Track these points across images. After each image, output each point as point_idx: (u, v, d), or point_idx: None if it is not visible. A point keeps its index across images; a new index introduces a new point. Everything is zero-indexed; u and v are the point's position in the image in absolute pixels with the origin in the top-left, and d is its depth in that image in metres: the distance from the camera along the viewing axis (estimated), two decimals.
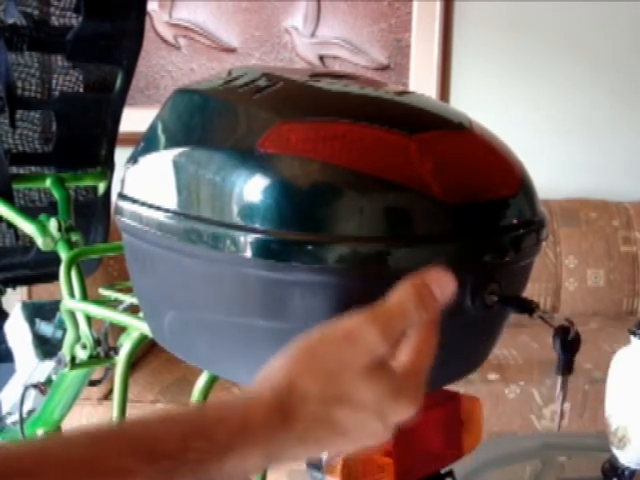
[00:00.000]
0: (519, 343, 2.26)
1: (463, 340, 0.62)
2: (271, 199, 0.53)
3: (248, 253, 0.53)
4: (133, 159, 0.66)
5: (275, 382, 0.46)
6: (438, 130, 0.61)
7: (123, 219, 0.65)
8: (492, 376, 2.09)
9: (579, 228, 2.65)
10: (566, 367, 0.57)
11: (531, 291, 2.57)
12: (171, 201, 0.59)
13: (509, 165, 0.63)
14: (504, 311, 0.61)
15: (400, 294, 0.48)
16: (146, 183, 0.64)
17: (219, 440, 0.43)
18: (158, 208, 0.60)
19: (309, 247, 0.52)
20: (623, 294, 2.65)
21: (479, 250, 0.55)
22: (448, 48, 2.71)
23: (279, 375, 0.46)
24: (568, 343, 0.56)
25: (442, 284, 0.48)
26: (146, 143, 0.65)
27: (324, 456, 0.62)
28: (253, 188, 0.54)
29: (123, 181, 0.66)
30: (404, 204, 0.53)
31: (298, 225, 0.53)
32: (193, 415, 0.45)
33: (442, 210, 0.54)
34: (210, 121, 0.62)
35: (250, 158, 0.56)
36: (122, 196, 0.66)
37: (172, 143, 0.62)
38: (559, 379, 0.59)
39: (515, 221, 0.59)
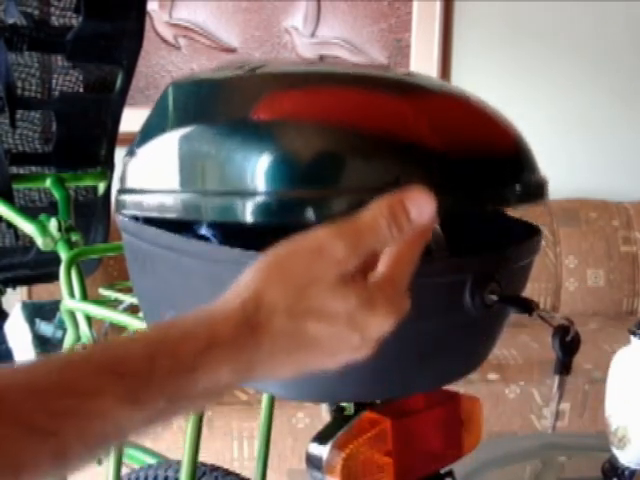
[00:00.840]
0: (519, 343, 2.26)
1: (463, 340, 0.62)
2: (269, 163, 0.53)
3: (249, 218, 0.53)
4: (130, 152, 0.66)
5: (242, 295, 0.45)
6: (432, 94, 0.61)
7: (124, 211, 0.65)
8: (492, 376, 2.09)
9: (579, 228, 2.65)
10: (564, 367, 0.57)
11: (531, 291, 2.57)
12: (170, 181, 0.59)
13: (505, 127, 0.64)
14: (504, 311, 0.61)
15: (374, 210, 0.46)
16: (145, 171, 0.64)
17: (185, 357, 0.43)
18: (158, 191, 0.60)
19: (314, 202, 0.52)
20: (623, 294, 2.65)
21: (479, 200, 0.55)
22: (448, 48, 2.71)
23: (246, 288, 0.45)
24: (567, 343, 0.56)
25: (420, 204, 0.46)
26: (142, 135, 0.65)
27: (324, 455, 0.62)
28: (250, 155, 0.54)
29: (122, 174, 0.66)
30: (404, 158, 0.53)
31: (300, 184, 0.53)
32: (159, 334, 0.45)
33: (442, 163, 0.54)
34: (204, 101, 0.63)
35: (245, 127, 0.56)
36: (122, 190, 0.66)
37: (168, 127, 0.62)
38: (557, 379, 0.59)
39: (515, 176, 0.59)
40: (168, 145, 0.61)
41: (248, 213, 0.53)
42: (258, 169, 0.54)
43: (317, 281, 0.45)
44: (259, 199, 0.53)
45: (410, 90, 0.59)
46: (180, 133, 0.60)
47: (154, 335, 0.45)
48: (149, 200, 0.61)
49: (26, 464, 0.39)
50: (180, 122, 0.62)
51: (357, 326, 0.46)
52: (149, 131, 0.65)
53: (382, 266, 0.47)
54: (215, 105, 0.61)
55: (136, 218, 0.65)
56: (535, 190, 0.62)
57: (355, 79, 0.61)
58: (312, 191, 0.52)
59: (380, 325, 0.47)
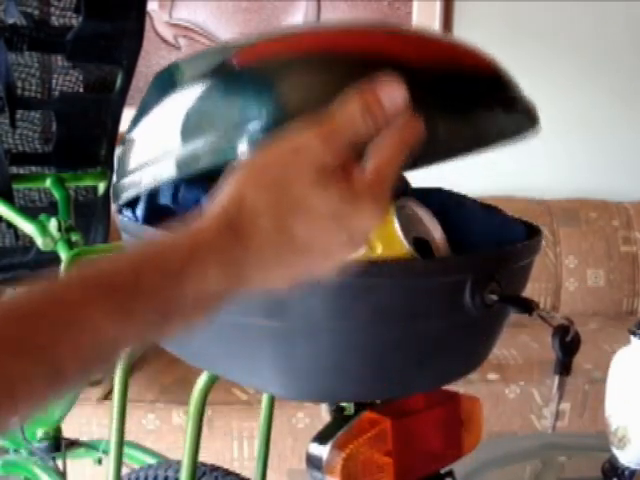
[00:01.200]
0: (519, 343, 2.26)
1: (463, 340, 0.62)
2: (257, 100, 0.54)
3: (246, 155, 0.54)
4: (123, 143, 0.66)
5: (223, 202, 0.45)
6: (411, 31, 0.62)
7: (123, 196, 0.64)
8: (492, 376, 2.09)
9: (579, 228, 2.65)
10: (564, 367, 0.57)
11: (531, 291, 2.57)
12: (164, 146, 0.59)
13: (484, 54, 0.64)
14: (504, 310, 0.61)
15: (346, 104, 0.46)
16: (138, 149, 0.64)
17: (170, 266, 0.42)
18: (154, 160, 0.60)
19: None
20: (623, 294, 2.65)
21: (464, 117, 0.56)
22: None
23: (226, 195, 0.45)
24: (567, 343, 0.56)
25: (390, 91, 0.46)
26: (132, 122, 0.65)
27: (324, 455, 0.62)
28: (237, 96, 0.55)
29: (118, 164, 0.66)
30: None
31: (288, 113, 0.53)
32: (144, 249, 0.45)
33: (422, 79, 0.54)
34: (186, 69, 0.63)
35: (227, 71, 0.57)
36: (118, 177, 0.66)
37: (154, 104, 0.62)
38: (556, 379, 0.59)
39: (497, 94, 0.60)
40: (157, 116, 0.61)
41: (243, 149, 0.53)
42: (247, 107, 0.54)
43: (297, 180, 0.44)
44: (252, 133, 0.53)
45: (390, 26, 0.61)
46: (166, 102, 0.60)
47: (139, 251, 0.45)
48: (145, 173, 0.61)
49: (21, 385, 0.38)
50: (164, 93, 0.62)
51: (342, 222, 0.45)
52: (138, 116, 0.65)
53: (367, 164, 0.46)
54: (196, 66, 0.62)
55: (136, 218, 0.65)
56: (522, 110, 0.62)
57: (334, 26, 0.62)
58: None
59: (366, 220, 0.46)
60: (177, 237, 0.44)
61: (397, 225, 0.55)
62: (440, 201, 0.68)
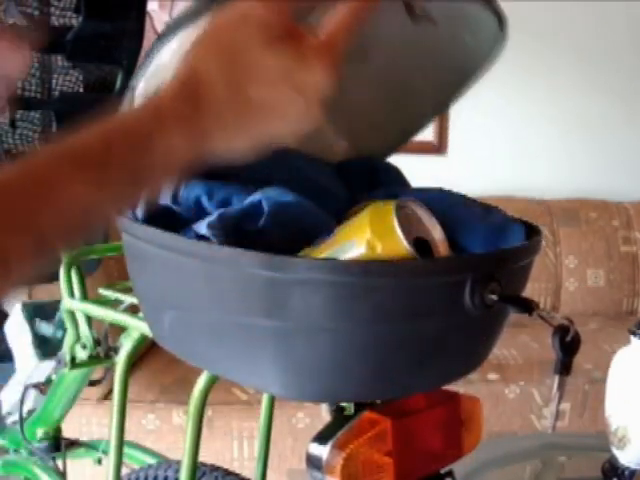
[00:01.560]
0: (519, 343, 2.26)
1: (463, 340, 0.62)
2: None
3: None
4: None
5: (179, 75, 0.48)
6: None
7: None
8: (492, 376, 2.09)
9: (579, 228, 2.65)
10: (564, 367, 0.57)
11: (531, 291, 2.57)
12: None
13: None
14: (504, 311, 0.61)
15: None
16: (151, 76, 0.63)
17: (137, 137, 0.46)
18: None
19: None
20: (623, 294, 2.65)
21: None
22: None
23: (182, 68, 0.48)
24: (567, 343, 0.56)
25: None
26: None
27: (324, 455, 0.62)
28: None
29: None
30: None
31: None
32: (110, 124, 0.48)
33: None
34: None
35: None
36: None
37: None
38: (556, 379, 0.59)
39: None
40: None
41: None
42: None
43: (248, 45, 0.47)
44: None
45: None
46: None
47: (106, 125, 0.47)
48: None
49: (13, 255, 0.41)
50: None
51: (295, 83, 0.47)
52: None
53: (323, 28, 0.49)
54: None
55: (136, 218, 0.65)
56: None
57: None
58: None
59: (317, 77, 0.48)
60: (140, 110, 0.48)
61: (397, 225, 0.55)
62: (440, 201, 0.68)
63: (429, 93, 0.82)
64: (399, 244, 0.55)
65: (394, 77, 0.80)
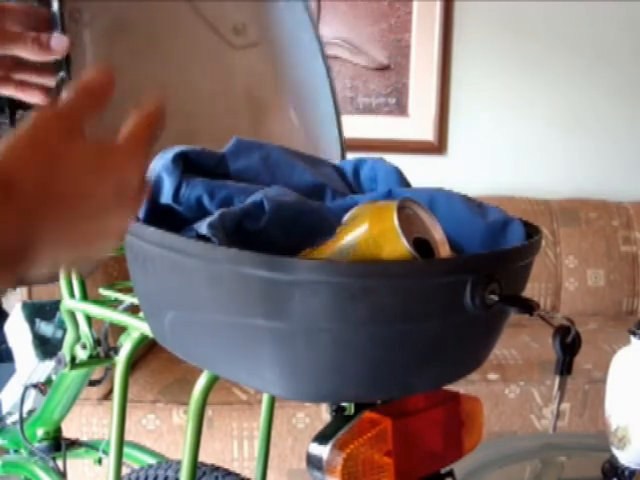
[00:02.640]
0: (519, 343, 2.26)
1: (463, 340, 0.62)
2: None
3: None
4: None
5: None
6: None
7: None
8: (492, 376, 2.09)
9: (579, 228, 2.65)
10: (564, 367, 0.57)
11: (531, 291, 2.57)
12: None
13: None
14: (504, 310, 0.61)
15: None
16: None
17: None
18: None
19: None
20: (623, 294, 2.65)
21: None
22: (448, 48, 2.71)
23: None
24: (567, 343, 0.56)
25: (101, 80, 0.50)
26: None
27: (324, 455, 0.62)
28: None
29: None
30: None
31: None
32: None
33: None
34: None
35: None
36: None
37: None
38: (557, 379, 0.59)
39: None
40: None
41: None
42: None
43: (52, 140, 0.46)
44: None
45: None
46: None
47: None
48: None
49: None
50: None
51: (105, 175, 0.48)
52: None
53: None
54: None
55: (137, 218, 0.65)
56: None
57: None
58: None
59: (127, 171, 0.49)
60: None
61: (398, 225, 0.55)
62: (440, 201, 0.68)
63: None
64: (400, 244, 0.55)
65: None
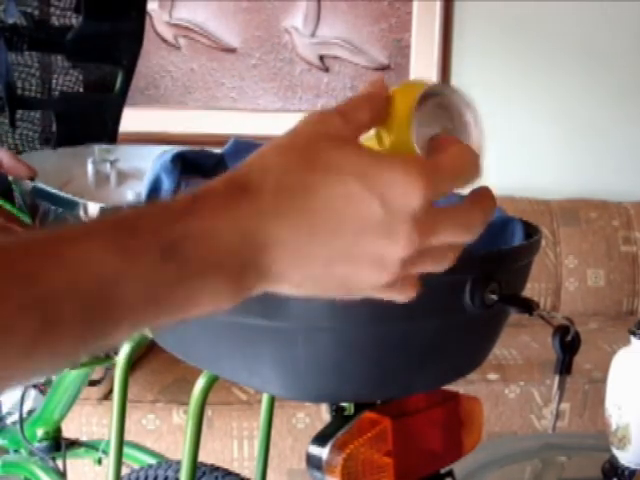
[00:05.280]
0: (519, 343, 2.26)
1: (463, 340, 0.62)
2: None
3: None
4: None
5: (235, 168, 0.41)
6: None
7: None
8: (492, 376, 2.09)
9: (579, 228, 2.65)
10: (564, 367, 0.57)
11: (531, 291, 2.57)
12: None
13: None
14: (504, 310, 0.61)
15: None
16: None
17: (173, 209, 0.39)
18: None
19: None
20: (623, 294, 2.65)
21: None
22: (448, 48, 2.71)
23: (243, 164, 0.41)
24: (567, 343, 0.56)
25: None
26: None
27: (324, 455, 0.62)
28: None
29: None
30: None
31: None
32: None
33: None
34: None
35: None
36: None
37: None
38: (556, 378, 0.59)
39: None
40: None
41: None
42: None
43: (317, 143, 0.40)
44: None
45: None
46: None
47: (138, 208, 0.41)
48: None
49: (14, 330, 0.33)
50: None
51: (374, 187, 0.38)
52: None
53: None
54: None
55: None
56: None
57: None
58: None
59: (402, 188, 0.39)
60: (180, 196, 0.40)
61: (414, 124, 0.46)
62: (439, 201, 0.68)
63: None
64: (409, 144, 0.46)
65: None
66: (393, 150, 0.46)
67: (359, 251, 0.39)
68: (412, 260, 0.40)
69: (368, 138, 0.46)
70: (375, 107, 0.44)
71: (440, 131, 0.47)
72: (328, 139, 0.40)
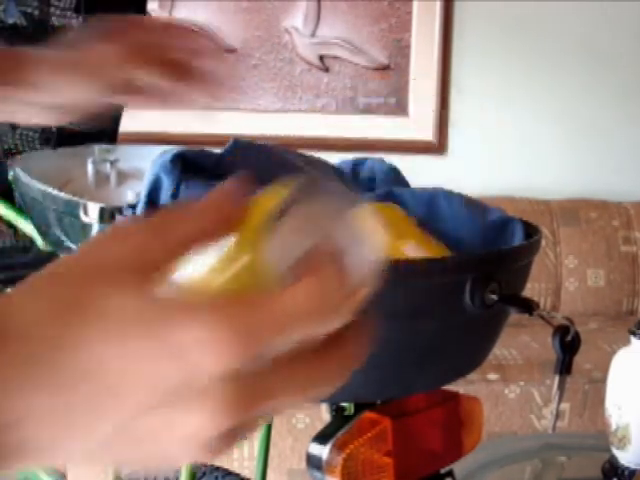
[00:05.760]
0: (519, 343, 2.26)
1: (463, 340, 0.62)
2: None
3: None
4: None
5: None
6: None
7: None
8: (492, 376, 2.09)
9: (579, 228, 2.65)
10: (564, 367, 0.57)
11: (531, 291, 2.57)
12: None
13: None
14: (504, 310, 0.61)
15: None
16: None
17: None
18: None
19: None
20: (623, 294, 2.65)
21: None
22: (448, 48, 2.71)
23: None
24: (567, 343, 0.56)
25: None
26: None
27: (324, 455, 0.62)
28: None
29: None
30: None
31: None
32: None
33: None
34: None
35: None
36: None
37: None
38: (556, 378, 0.59)
39: None
40: None
41: None
42: None
43: (104, 272, 0.30)
44: None
45: None
46: None
47: None
48: None
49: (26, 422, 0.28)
50: None
51: (162, 346, 0.28)
52: None
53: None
54: None
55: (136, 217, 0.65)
56: None
57: None
58: None
59: (199, 348, 0.28)
60: None
61: (268, 241, 0.33)
62: (440, 201, 0.68)
63: None
64: (263, 263, 0.34)
65: None
66: (243, 275, 0.33)
67: (146, 426, 0.29)
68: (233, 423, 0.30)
69: (224, 258, 0.33)
70: (211, 220, 0.32)
71: (320, 243, 0.33)
72: (114, 274, 0.30)
